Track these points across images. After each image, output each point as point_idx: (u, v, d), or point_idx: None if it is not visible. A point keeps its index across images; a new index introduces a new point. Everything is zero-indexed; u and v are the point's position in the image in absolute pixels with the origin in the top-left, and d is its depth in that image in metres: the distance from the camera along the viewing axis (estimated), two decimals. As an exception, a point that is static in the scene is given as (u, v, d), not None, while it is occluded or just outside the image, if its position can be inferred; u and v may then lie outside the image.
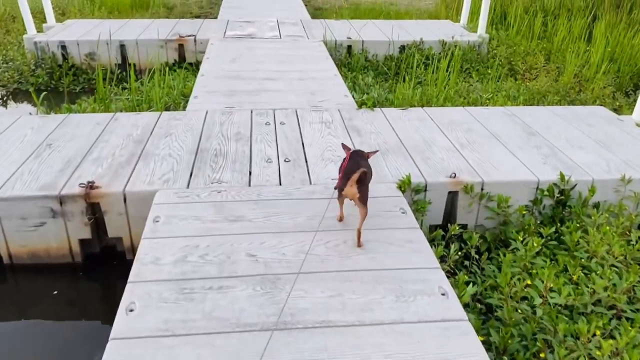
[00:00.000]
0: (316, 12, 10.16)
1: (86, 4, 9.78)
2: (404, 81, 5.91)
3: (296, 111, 4.32)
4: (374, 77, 6.25)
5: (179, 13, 10.19)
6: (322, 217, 2.77)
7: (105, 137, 3.75)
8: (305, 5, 10.06)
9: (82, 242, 3.11)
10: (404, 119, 4.23)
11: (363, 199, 2.44)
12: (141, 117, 4.13)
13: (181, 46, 6.61)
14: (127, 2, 10.18)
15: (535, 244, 2.88)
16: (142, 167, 3.32)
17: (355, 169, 2.41)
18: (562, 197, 3.36)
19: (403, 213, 2.89)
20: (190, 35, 6.66)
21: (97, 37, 6.48)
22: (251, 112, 4.28)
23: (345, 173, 2.44)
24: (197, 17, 9.96)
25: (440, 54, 6.77)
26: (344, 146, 2.72)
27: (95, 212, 3.05)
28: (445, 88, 5.47)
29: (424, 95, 5.17)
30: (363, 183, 2.42)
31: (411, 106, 4.81)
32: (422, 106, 4.80)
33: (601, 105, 5.33)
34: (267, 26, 7.42)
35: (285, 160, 3.46)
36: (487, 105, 5.09)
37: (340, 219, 2.75)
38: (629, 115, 4.63)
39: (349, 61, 6.61)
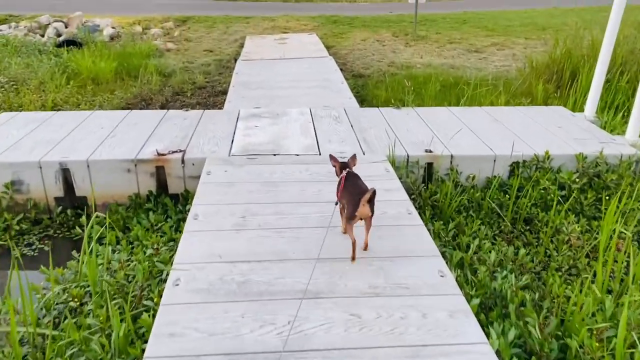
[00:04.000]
0: (357, 82, 7.65)
1: (55, 74, 7.39)
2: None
3: None
4: (484, 229, 3.65)
5: (177, 83, 7.76)
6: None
7: None
8: (341, 69, 7.59)
9: None
10: None
11: (372, 216, 2.60)
12: None
13: (160, 169, 4.09)
14: (109, 69, 7.79)
15: None
16: None
17: (360, 190, 2.58)
18: None
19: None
20: (175, 152, 4.14)
21: (26, 156, 4.01)
22: None
23: (353, 197, 2.56)
24: (199, 91, 7.52)
25: (580, 177, 4.15)
26: (332, 158, 2.92)
27: None
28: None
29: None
30: (372, 201, 2.55)
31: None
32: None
33: None
34: (297, 125, 4.87)
35: None
36: None
37: (354, 244, 2.70)
38: None
39: (433, 192, 4.02)
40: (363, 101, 6.71)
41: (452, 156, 4.19)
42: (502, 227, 3.83)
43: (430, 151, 4.22)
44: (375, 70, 8.48)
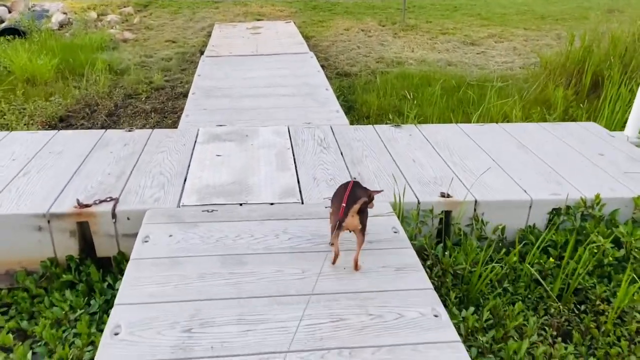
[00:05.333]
0: (342, 84, 6.56)
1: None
2: None
3: None
4: (531, 319, 2.65)
5: (130, 83, 6.57)
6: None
7: None
8: (323, 67, 6.50)
9: None
10: None
11: (364, 229, 2.36)
12: None
13: (84, 226, 2.99)
14: (49, 67, 6.55)
15: None
16: None
17: (354, 197, 2.31)
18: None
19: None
20: (103, 201, 3.03)
21: None
22: None
23: (347, 204, 2.29)
24: (156, 94, 6.34)
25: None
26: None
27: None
28: None
29: None
30: (363, 212, 2.33)
31: None
32: None
33: None
34: (272, 153, 3.80)
35: None
36: None
37: (336, 257, 2.45)
38: None
39: (455, 258, 3.00)
40: (350, 109, 5.64)
41: (476, 202, 3.17)
42: (548, 305, 2.84)
43: (448, 195, 3.20)
44: (362, 67, 7.39)
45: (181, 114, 5.72)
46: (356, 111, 5.61)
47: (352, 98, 5.97)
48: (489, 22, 10.35)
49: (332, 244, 2.41)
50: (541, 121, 5.00)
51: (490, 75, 6.88)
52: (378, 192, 2.54)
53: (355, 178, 2.57)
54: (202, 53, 7.81)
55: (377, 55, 7.99)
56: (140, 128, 5.35)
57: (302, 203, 3.08)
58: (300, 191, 3.21)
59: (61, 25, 9.68)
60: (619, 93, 4.97)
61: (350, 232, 2.40)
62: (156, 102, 6.17)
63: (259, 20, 10.30)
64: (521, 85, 6.29)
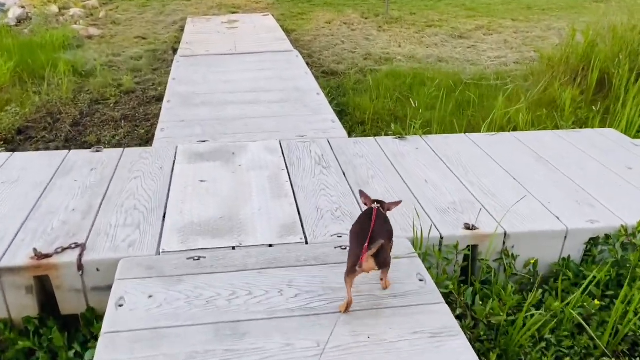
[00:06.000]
0: (330, 84, 6.07)
1: None
2: None
3: None
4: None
5: (97, 87, 5.96)
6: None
7: None
8: (308, 64, 6.01)
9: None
10: None
11: (387, 266, 2.13)
12: None
13: (44, 280, 2.46)
14: (5, 70, 5.90)
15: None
16: None
17: (371, 235, 2.01)
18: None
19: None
20: (67, 249, 2.50)
21: None
22: None
23: (358, 245, 2.03)
24: (126, 98, 5.75)
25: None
26: (363, 194, 2.31)
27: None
28: None
29: None
30: (381, 254, 2.03)
31: None
32: None
33: None
34: (264, 176, 3.32)
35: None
36: None
37: (349, 305, 2.10)
38: None
39: (489, 307, 2.57)
40: (343, 114, 5.16)
41: (505, 234, 2.75)
42: (596, 358, 2.44)
43: (474, 227, 2.76)
44: (349, 64, 6.90)
45: (155, 121, 5.19)
46: (349, 116, 5.14)
47: (343, 101, 5.49)
48: (475, 13, 9.95)
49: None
50: (552, 126, 4.63)
51: (486, 73, 6.48)
52: (397, 203, 2.28)
53: (375, 203, 2.20)
54: (175, 51, 7.22)
55: (364, 51, 7.52)
56: (110, 139, 4.82)
57: (307, 243, 2.61)
58: (302, 226, 2.74)
59: (19, 21, 8.94)
60: (635, 95, 4.61)
61: (368, 272, 2.11)
62: (126, 108, 5.59)
63: (234, 13, 9.71)
64: (521, 83, 5.90)
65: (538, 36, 8.44)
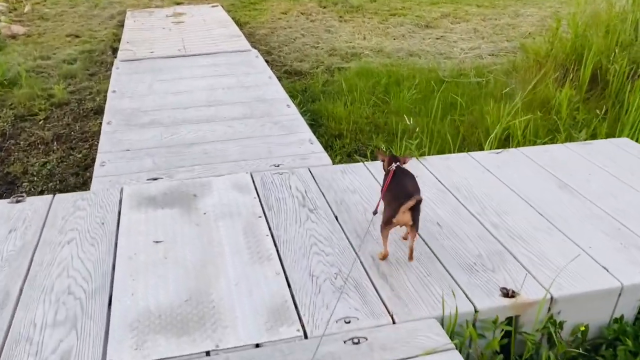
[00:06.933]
0: (296, 87, 5.38)
1: None
2: None
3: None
4: None
5: (23, 100, 5.06)
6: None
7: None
8: (268, 63, 5.31)
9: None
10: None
11: (416, 225, 2.20)
12: None
13: None
14: None
15: None
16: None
17: (405, 192, 2.16)
18: None
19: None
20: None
21: None
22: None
23: (394, 200, 2.18)
24: (59, 112, 4.87)
25: None
26: (379, 151, 2.65)
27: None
28: None
29: None
30: (416, 209, 2.16)
31: None
32: None
33: None
34: (238, 228, 2.66)
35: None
36: None
37: (385, 257, 2.32)
38: None
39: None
40: (316, 125, 4.49)
41: (552, 299, 2.18)
42: None
43: (515, 294, 2.18)
44: (314, 62, 6.22)
45: (94, 141, 4.40)
46: (323, 127, 4.47)
47: (314, 108, 4.81)
48: (439, 0, 9.41)
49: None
50: (553, 131, 4.15)
51: (463, 68, 5.94)
52: (409, 158, 2.44)
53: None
54: (114, 51, 6.35)
55: (327, 45, 6.83)
56: (39, 168, 4.02)
57: (306, 337, 1.95)
58: (296, 307, 2.08)
59: None
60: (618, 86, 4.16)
61: (401, 227, 2.30)
62: (59, 125, 4.75)
63: (179, 4, 8.79)
64: (504, 79, 5.39)
65: (508, 24, 7.98)
